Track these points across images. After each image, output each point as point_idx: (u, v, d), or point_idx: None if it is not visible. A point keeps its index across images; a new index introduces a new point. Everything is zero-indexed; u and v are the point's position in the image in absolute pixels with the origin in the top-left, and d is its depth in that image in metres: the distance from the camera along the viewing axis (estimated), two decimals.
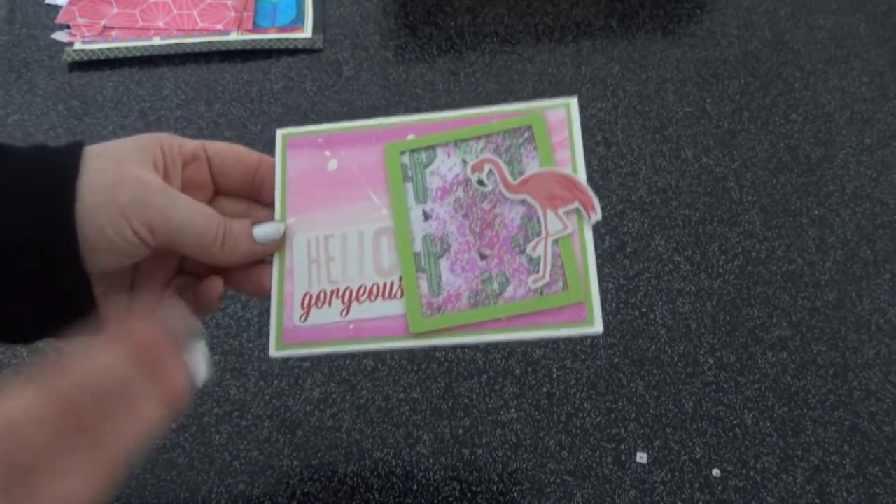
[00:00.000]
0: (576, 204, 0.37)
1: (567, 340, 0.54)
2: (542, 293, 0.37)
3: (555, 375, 0.53)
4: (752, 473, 0.50)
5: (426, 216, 0.39)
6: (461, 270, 0.38)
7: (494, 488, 0.49)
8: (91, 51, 0.67)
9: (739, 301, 0.56)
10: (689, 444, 0.51)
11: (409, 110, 0.65)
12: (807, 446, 0.51)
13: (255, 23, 0.69)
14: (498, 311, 0.37)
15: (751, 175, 0.62)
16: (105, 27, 0.68)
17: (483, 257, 0.38)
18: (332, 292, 0.38)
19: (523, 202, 0.38)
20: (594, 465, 0.50)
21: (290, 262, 0.39)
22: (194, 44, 0.67)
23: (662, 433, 0.51)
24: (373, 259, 0.38)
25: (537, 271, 0.37)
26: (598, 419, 0.52)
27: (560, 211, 0.37)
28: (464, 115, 0.40)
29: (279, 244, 0.39)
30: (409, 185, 0.39)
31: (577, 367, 0.53)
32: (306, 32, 0.69)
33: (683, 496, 0.49)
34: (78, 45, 0.67)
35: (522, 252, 0.38)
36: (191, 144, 0.38)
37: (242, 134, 0.63)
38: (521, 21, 0.71)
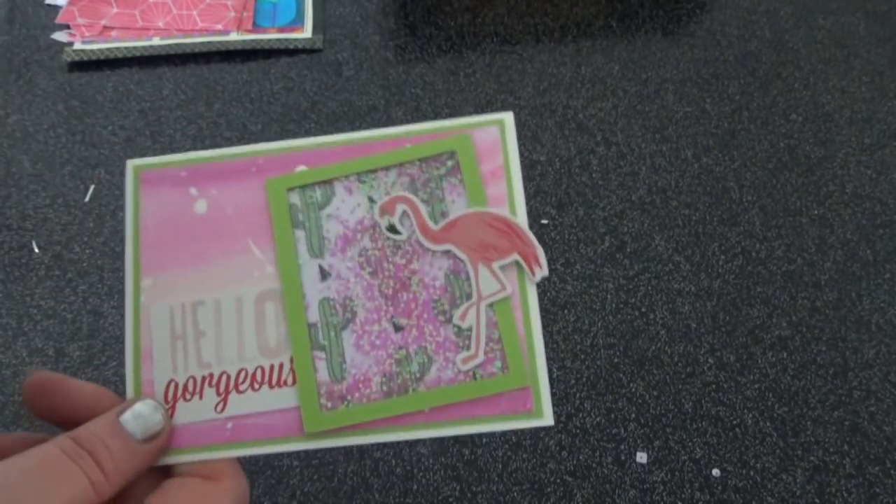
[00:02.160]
0: (515, 256, 0.30)
1: (566, 339, 0.54)
2: (474, 376, 0.30)
3: (555, 375, 0.53)
4: (752, 473, 0.50)
5: (323, 274, 0.31)
6: (370, 347, 0.30)
7: (494, 488, 0.49)
8: (91, 51, 0.67)
9: (739, 301, 0.56)
10: (689, 444, 0.51)
11: (408, 111, 0.65)
12: (807, 446, 0.51)
13: (254, 23, 0.69)
14: (419, 400, 0.29)
15: (751, 175, 0.62)
16: (105, 27, 0.68)
17: (398, 328, 0.30)
18: (203, 379, 0.30)
19: (448, 254, 0.30)
20: (594, 465, 0.50)
21: (148, 341, 0.30)
22: (194, 44, 0.67)
23: (662, 433, 0.51)
24: (255, 334, 0.30)
25: (468, 347, 0.30)
26: (598, 419, 0.52)
27: (495, 266, 0.30)
28: (368, 137, 0.31)
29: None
30: (301, 234, 0.31)
31: (577, 367, 0.53)
32: (306, 32, 0.69)
33: (683, 496, 0.49)
34: (78, 45, 0.67)
35: (448, 321, 0.30)
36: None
37: (242, 134, 0.63)
38: (521, 21, 0.71)
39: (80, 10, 0.69)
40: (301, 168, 0.31)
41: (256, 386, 0.30)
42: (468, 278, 0.30)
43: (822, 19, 0.71)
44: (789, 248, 0.59)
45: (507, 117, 0.32)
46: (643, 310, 0.56)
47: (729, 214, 0.60)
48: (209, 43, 0.67)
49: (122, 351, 0.53)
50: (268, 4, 0.71)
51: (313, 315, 0.30)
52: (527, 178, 0.61)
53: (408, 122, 0.64)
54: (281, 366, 0.30)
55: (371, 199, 0.31)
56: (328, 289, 0.31)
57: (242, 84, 0.66)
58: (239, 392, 0.30)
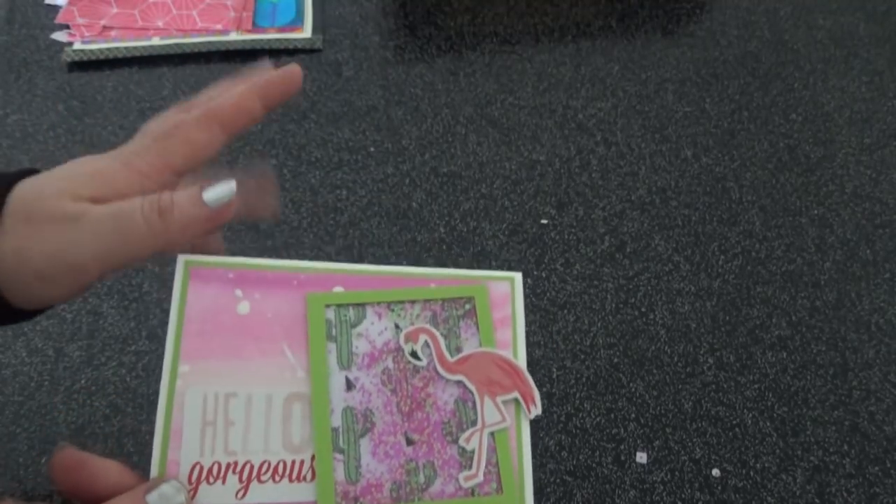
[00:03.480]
0: (515, 394, 0.34)
1: (566, 339, 0.54)
2: (472, 493, 0.33)
3: (555, 375, 0.53)
4: (752, 473, 0.50)
5: (349, 385, 0.34)
6: (384, 456, 0.33)
7: None
8: (90, 51, 0.67)
9: (739, 301, 0.56)
10: (689, 444, 0.51)
11: (408, 111, 0.65)
12: (807, 446, 0.51)
13: (254, 23, 0.69)
14: None
15: (750, 175, 0.62)
16: (104, 27, 0.68)
17: (410, 442, 0.33)
18: (228, 466, 0.32)
19: (459, 384, 0.34)
20: (594, 465, 0.50)
21: (179, 422, 0.32)
22: (194, 44, 0.67)
23: (662, 433, 0.51)
24: (281, 430, 0.32)
25: (469, 467, 0.33)
26: (598, 419, 0.52)
27: (498, 399, 0.34)
28: (400, 273, 0.36)
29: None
30: (332, 346, 0.34)
31: (577, 367, 0.53)
32: (306, 32, 0.69)
33: (683, 496, 0.49)
34: (77, 46, 0.67)
35: (454, 442, 0.33)
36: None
37: (241, 133, 0.63)
38: (521, 21, 0.71)
39: (80, 10, 0.69)
40: (338, 289, 0.35)
41: (277, 478, 0.32)
42: (475, 407, 0.34)
43: (822, 19, 0.71)
44: (789, 248, 0.59)
45: (517, 277, 0.36)
46: (643, 310, 0.56)
47: (729, 214, 0.60)
48: (209, 43, 0.67)
49: (121, 351, 0.53)
50: (267, 4, 0.71)
51: (336, 420, 0.33)
52: (527, 178, 0.61)
53: (407, 121, 0.64)
54: (302, 462, 0.32)
55: (397, 326, 0.35)
56: (352, 398, 0.34)
57: None
58: (260, 482, 0.32)
